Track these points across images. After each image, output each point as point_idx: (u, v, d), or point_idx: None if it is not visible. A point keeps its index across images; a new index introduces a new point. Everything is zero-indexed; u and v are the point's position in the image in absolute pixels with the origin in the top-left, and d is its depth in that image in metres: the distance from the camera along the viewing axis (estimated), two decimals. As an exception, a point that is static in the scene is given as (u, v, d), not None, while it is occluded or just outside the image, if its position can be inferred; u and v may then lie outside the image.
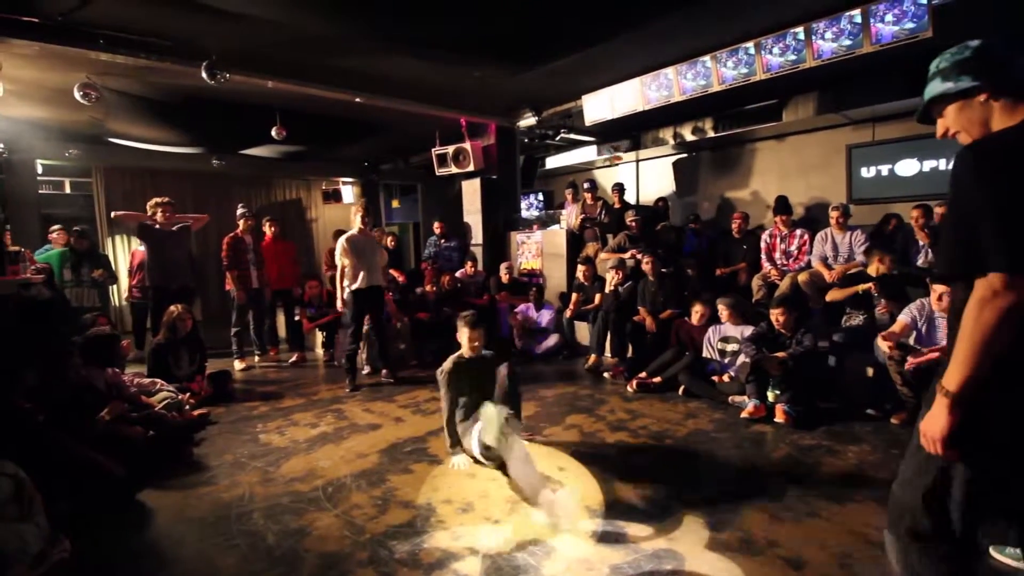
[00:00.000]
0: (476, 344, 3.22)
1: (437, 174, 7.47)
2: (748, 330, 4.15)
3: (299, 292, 6.25)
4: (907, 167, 6.20)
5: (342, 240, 4.70)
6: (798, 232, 5.30)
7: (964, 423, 1.20)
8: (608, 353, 5.33)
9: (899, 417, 3.59)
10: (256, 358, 5.96)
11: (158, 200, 5.22)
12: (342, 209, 10.00)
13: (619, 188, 6.96)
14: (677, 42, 4.78)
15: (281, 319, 6.51)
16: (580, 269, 5.86)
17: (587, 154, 8.86)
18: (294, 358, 5.94)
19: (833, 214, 5.01)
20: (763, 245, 5.45)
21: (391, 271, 5.98)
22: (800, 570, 2.03)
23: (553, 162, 9.51)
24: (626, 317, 5.15)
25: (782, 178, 7.27)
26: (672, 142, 7.46)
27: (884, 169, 6.37)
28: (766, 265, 5.38)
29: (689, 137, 7.17)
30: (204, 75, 4.47)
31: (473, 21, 4.16)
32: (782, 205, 5.47)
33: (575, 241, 6.68)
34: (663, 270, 5.35)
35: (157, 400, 3.63)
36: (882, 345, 3.42)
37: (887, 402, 3.69)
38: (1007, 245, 1.12)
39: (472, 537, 2.30)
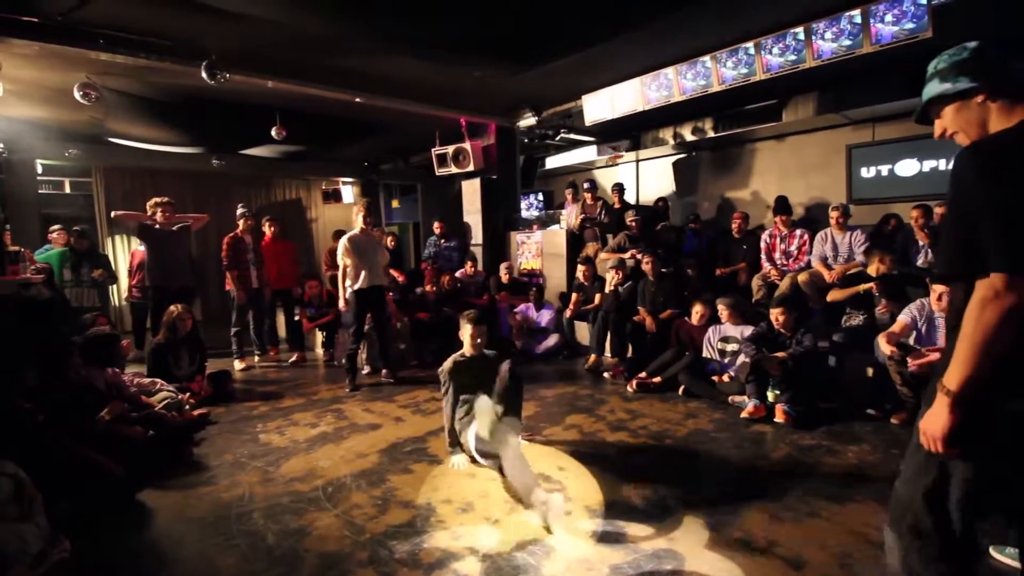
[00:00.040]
0: (478, 342, 3.22)
1: (437, 174, 7.47)
2: (748, 330, 4.15)
3: (299, 292, 6.25)
4: (907, 167, 6.21)
5: (344, 240, 4.70)
6: (798, 232, 5.30)
7: (965, 422, 1.21)
8: (608, 353, 5.33)
9: (899, 417, 3.59)
10: (256, 358, 5.96)
11: (158, 200, 5.22)
12: (342, 209, 10.00)
13: (619, 188, 6.96)
14: (677, 42, 4.78)
15: (281, 319, 6.52)
16: (580, 269, 5.86)
17: (587, 154, 8.86)
18: (294, 358, 5.94)
19: (833, 214, 5.01)
20: (763, 245, 5.45)
21: (391, 271, 5.98)
22: (800, 570, 2.03)
23: (553, 162, 9.51)
24: (626, 317, 5.15)
25: (782, 178, 7.28)
26: (672, 142, 7.46)
27: (884, 169, 6.37)
28: (766, 265, 5.38)
29: (689, 137, 7.17)
30: (204, 75, 4.47)
31: (473, 21, 4.16)
32: (782, 205, 5.47)
33: (575, 241, 6.68)
34: (663, 270, 5.35)
35: (157, 400, 3.63)
36: (883, 346, 3.42)
37: (887, 402, 3.69)
38: (1008, 245, 1.13)
39: (472, 537, 2.30)
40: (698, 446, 3.34)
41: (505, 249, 7.28)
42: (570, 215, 7.23)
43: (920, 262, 4.77)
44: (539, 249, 6.85)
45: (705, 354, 4.45)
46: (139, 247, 6.05)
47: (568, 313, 5.84)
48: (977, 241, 1.16)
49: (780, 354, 3.79)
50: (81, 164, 7.59)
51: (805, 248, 5.20)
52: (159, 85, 5.19)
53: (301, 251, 8.37)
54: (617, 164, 9.17)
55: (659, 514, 2.45)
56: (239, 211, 5.90)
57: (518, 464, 2.69)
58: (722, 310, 4.44)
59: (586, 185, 7.27)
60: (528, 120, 6.80)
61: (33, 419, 2.61)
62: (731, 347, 4.33)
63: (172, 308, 4.42)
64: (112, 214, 5.72)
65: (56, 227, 6.08)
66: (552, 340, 6.00)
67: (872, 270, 4.30)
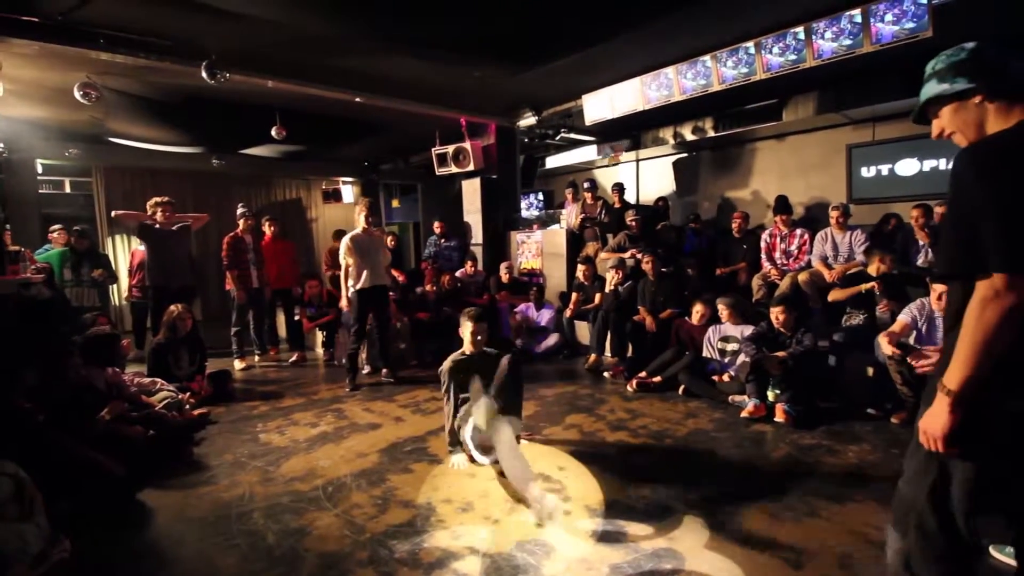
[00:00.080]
0: (478, 339, 3.21)
1: (437, 174, 7.47)
2: (748, 330, 4.15)
3: (299, 292, 6.25)
4: (907, 167, 6.21)
5: (346, 239, 4.70)
6: (798, 232, 5.30)
7: (965, 422, 1.21)
8: (608, 353, 5.33)
9: (899, 417, 3.59)
10: (256, 358, 5.96)
11: (158, 200, 5.22)
12: (342, 209, 10.00)
13: (619, 188, 6.96)
14: (677, 42, 4.78)
15: (281, 319, 6.52)
16: (580, 269, 5.86)
17: (587, 154, 8.86)
18: (294, 358, 5.94)
19: (833, 214, 5.01)
20: (763, 245, 5.45)
21: (392, 271, 5.98)
22: (800, 570, 2.03)
23: (553, 162, 9.51)
24: (626, 317, 5.15)
25: (782, 178, 7.27)
26: (672, 142, 7.46)
27: (884, 169, 6.37)
28: (766, 265, 5.38)
29: (689, 137, 7.18)
30: (204, 75, 4.47)
31: (473, 21, 4.16)
32: (782, 205, 5.47)
33: (575, 241, 6.68)
34: (663, 270, 5.35)
35: (157, 400, 3.63)
36: (884, 346, 3.42)
37: (887, 401, 3.69)
38: (1008, 245, 1.13)
39: (472, 536, 2.30)
40: (698, 446, 3.34)
41: (505, 249, 7.28)
42: (570, 215, 7.23)
43: (920, 261, 4.76)
44: (539, 249, 6.85)
45: (705, 354, 4.45)
46: (139, 247, 6.05)
47: (568, 313, 5.84)
48: (977, 241, 1.17)
49: (780, 354, 3.78)
50: (81, 164, 7.59)
51: (805, 248, 5.20)
52: (159, 85, 5.19)
53: (301, 251, 8.38)
54: (617, 164, 9.17)
55: (659, 514, 2.45)
56: (239, 211, 5.90)
57: (514, 457, 2.70)
58: (722, 310, 4.44)
59: (586, 185, 7.26)
60: (528, 120, 6.80)
61: (33, 419, 2.61)
62: (731, 347, 4.33)
63: (172, 308, 4.42)
64: (112, 214, 5.72)
65: (56, 227, 6.08)
66: (552, 340, 6.00)
67: (872, 270, 4.30)
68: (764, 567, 2.05)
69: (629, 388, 4.48)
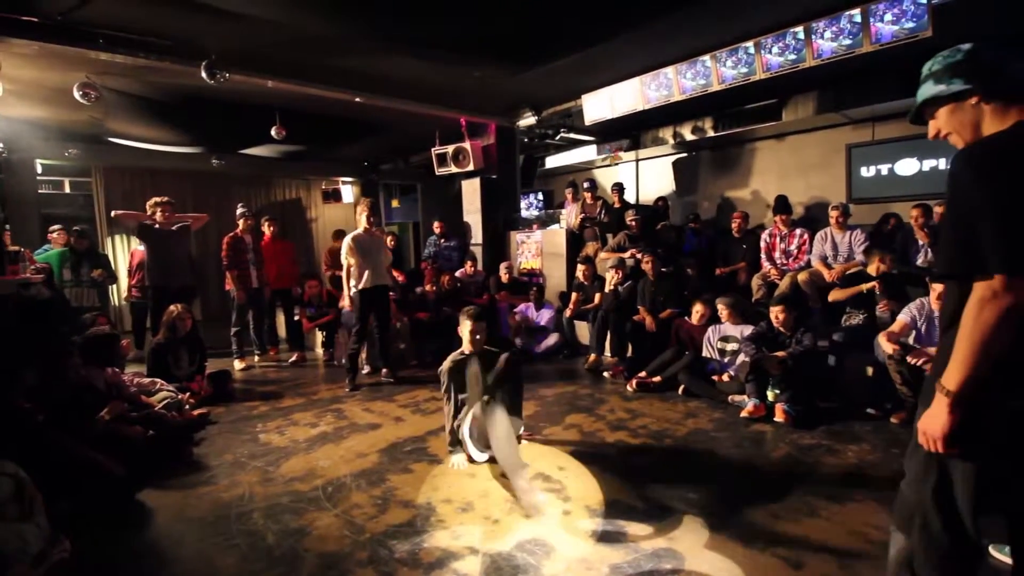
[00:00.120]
0: (477, 338, 3.21)
1: (437, 174, 7.47)
2: (748, 329, 4.15)
3: (298, 292, 6.25)
4: (907, 166, 6.21)
5: (348, 239, 4.71)
6: (798, 231, 5.30)
7: (964, 422, 1.21)
8: (608, 352, 5.33)
9: (899, 416, 3.59)
10: (256, 358, 5.96)
11: (158, 200, 5.22)
12: (342, 209, 10.01)
13: (619, 187, 6.96)
14: (677, 42, 4.78)
15: (281, 319, 6.52)
16: (580, 268, 5.86)
17: (587, 154, 8.86)
18: (294, 358, 5.94)
19: (833, 213, 5.01)
20: (763, 244, 5.45)
21: (392, 271, 5.99)
22: (800, 570, 2.03)
23: (553, 162, 9.51)
24: (626, 316, 5.15)
25: (782, 177, 7.28)
26: (672, 141, 7.46)
27: (884, 168, 6.38)
28: (766, 264, 5.38)
29: (689, 136, 7.18)
30: (204, 75, 4.47)
31: (473, 21, 4.16)
32: (782, 204, 5.47)
33: (575, 241, 6.68)
34: (663, 270, 5.35)
35: (157, 400, 3.63)
36: (884, 344, 3.42)
37: (887, 401, 3.69)
38: (1006, 246, 1.13)
39: (472, 536, 2.30)
40: (698, 446, 3.34)
41: (505, 249, 7.28)
42: (570, 215, 7.23)
43: (920, 261, 4.77)
44: (539, 249, 6.85)
45: (705, 353, 4.45)
46: (139, 247, 6.05)
47: (568, 312, 5.84)
48: (976, 241, 1.17)
49: (780, 353, 3.79)
50: (81, 164, 7.58)
51: (805, 247, 5.20)
52: (159, 85, 5.19)
53: (300, 251, 8.37)
54: (617, 164, 9.17)
55: (659, 514, 2.45)
56: (239, 211, 5.90)
57: (507, 443, 2.73)
58: (722, 309, 4.44)
59: (586, 184, 7.27)
60: (528, 120, 6.80)
61: (33, 419, 2.60)
62: (731, 346, 4.33)
63: (172, 308, 4.42)
64: (112, 214, 5.72)
65: (56, 227, 6.08)
66: (552, 339, 6.00)
67: (872, 269, 4.30)
68: (764, 567, 2.05)
69: (629, 388, 4.48)
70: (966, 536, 1.27)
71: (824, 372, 4.07)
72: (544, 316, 6.16)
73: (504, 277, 6.65)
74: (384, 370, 5.05)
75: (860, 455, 3.10)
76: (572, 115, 6.64)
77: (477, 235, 7.40)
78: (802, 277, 4.87)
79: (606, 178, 8.90)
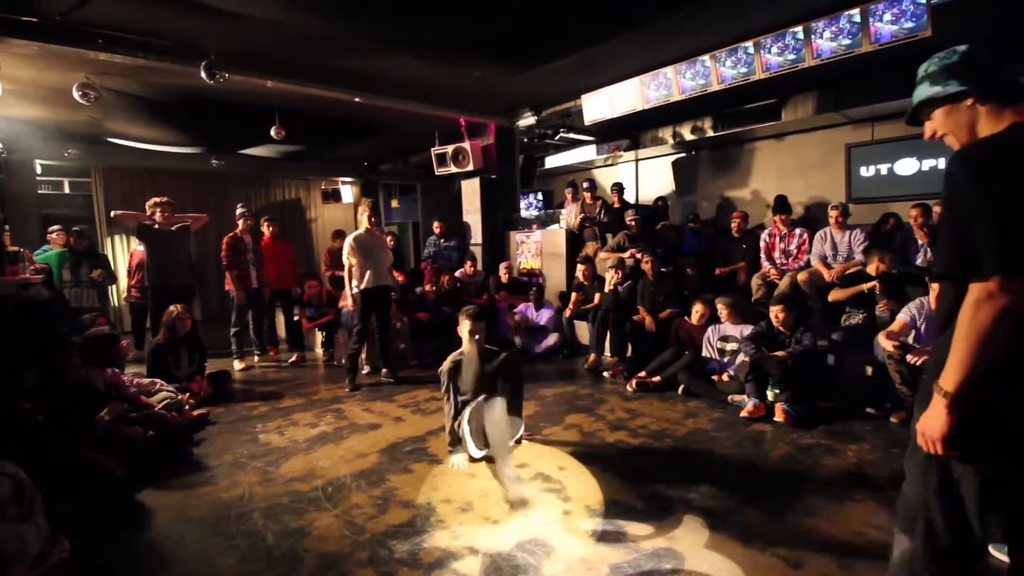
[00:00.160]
0: (477, 337, 3.21)
1: (436, 174, 7.47)
2: (747, 329, 4.15)
3: (298, 292, 6.25)
4: (906, 166, 6.21)
5: (350, 239, 4.71)
6: (797, 231, 5.30)
7: (962, 423, 1.21)
8: (608, 352, 5.33)
9: (898, 416, 3.59)
10: (256, 358, 5.96)
11: (157, 200, 5.21)
12: (341, 209, 10.01)
13: (618, 187, 6.96)
14: (677, 42, 4.78)
15: (280, 319, 6.51)
16: (580, 268, 5.86)
17: (586, 153, 8.87)
18: (293, 358, 5.94)
19: (832, 213, 5.02)
20: (762, 244, 5.45)
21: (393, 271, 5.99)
22: (800, 570, 2.03)
23: (552, 162, 9.51)
24: (625, 316, 5.15)
25: (781, 177, 7.28)
26: (671, 141, 7.46)
27: (883, 168, 6.38)
28: (765, 264, 5.38)
29: (688, 136, 7.18)
30: (203, 75, 4.47)
31: (473, 21, 4.16)
32: (781, 204, 5.47)
33: (574, 241, 6.68)
34: (662, 269, 5.35)
35: (157, 400, 3.63)
36: (884, 344, 3.42)
37: (886, 401, 3.69)
38: (1002, 248, 1.14)
39: (472, 536, 2.31)
40: (698, 445, 3.34)
41: (505, 249, 7.28)
42: (569, 214, 7.23)
43: (919, 261, 4.77)
44: (538, 249, 6.85)
45: (705, 353, 4.45)
46: (138, 247, 6.04)
47: (568, 312, 5.84)
48: (972, 242, 1.17)
49: (779, 353, 3.79)
50: (80, 164, 7.58)
51: (804, 247, 5.21)
52: (158, 85, 5.19)
53: (300, 251, 8.37)
54: (616, 163, 9.17)
55: (659, 514, 2.45)
56: (238, 211, 5.90)
57: (500, 431, 2.73)
58: (721, 309, 4.44)
59: (585, 184, 7.27)
60: (528, 120, 6.80)
61: (33, 419, 2.60)
62: (730, 346, 4.33)
63: (171, 308, 4.42)
64: (111, 214, 5.72)
65: (55, 227, 6.08)
66: (552, 339, 6.00)
67: (871, 269, 4.30)
68: (764, 567, 2.06)
69: (629, 388, 4.48)
70: (970, 536, 1.27)
71: (824, 372, 4.08)
72: (544, 316, 6.16)
73: (504, 277, 6.65)
74: (384, 370, 5.05)
75: (860, 455, 3.11)
76: (572, 115, 6.64)
77: (477, 235, 7.39)
78: (802, 277, 4.87)
79: (606, 178, 8.90)
